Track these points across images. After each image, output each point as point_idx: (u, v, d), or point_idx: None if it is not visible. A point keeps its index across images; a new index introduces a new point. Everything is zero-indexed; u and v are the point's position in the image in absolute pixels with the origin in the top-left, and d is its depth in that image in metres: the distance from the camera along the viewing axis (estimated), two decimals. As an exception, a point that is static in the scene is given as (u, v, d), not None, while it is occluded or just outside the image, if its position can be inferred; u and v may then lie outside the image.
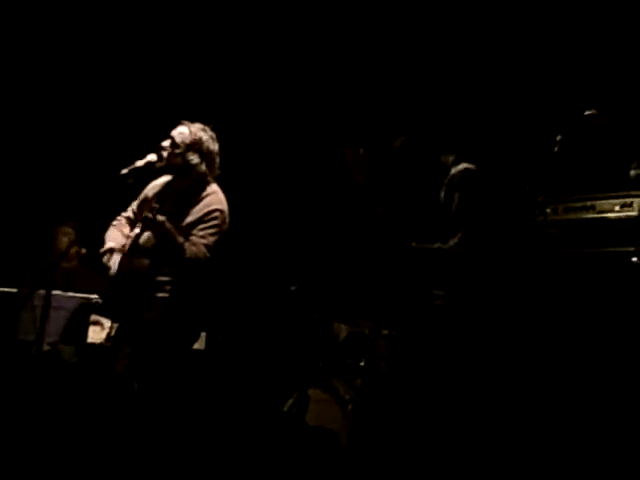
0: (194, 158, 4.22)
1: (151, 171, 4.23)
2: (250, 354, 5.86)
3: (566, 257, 4.08)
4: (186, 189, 4.26)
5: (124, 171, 4.06)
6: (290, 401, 4.58)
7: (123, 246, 4.21)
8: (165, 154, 4.20)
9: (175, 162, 4.21)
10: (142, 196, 4.40)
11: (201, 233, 4.15)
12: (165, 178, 4.37)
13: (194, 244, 4.11)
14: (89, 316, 5.12)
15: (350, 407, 4.45)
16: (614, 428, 3.69)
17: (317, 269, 5.75)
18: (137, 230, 4.22)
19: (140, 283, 4.09)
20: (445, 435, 3.63)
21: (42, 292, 4.13)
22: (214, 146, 4.30)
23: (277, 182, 6.92)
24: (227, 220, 4.26)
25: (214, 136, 4.32)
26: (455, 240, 3.73)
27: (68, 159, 6.90)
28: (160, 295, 4.12)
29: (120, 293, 4.12)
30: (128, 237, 4.25)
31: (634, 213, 3.93)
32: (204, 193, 4.25)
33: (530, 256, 4.16)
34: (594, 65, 5.18)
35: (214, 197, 4.25)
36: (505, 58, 5.51)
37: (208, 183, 4.28)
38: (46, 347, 4.87)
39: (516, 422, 3.90)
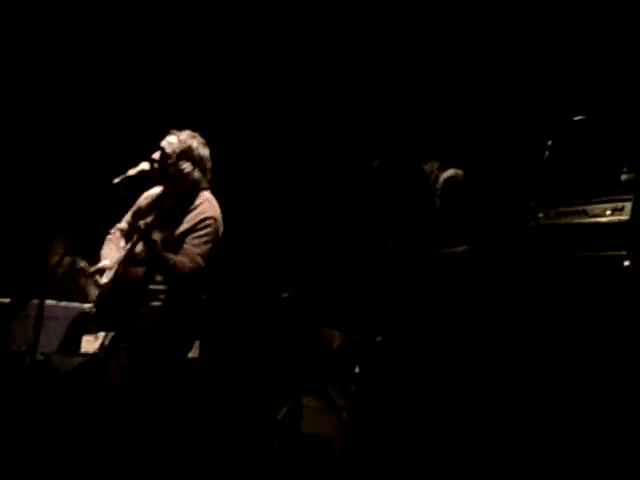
0: (187, 166, 4.22)
1: (144, 181, 4.23)
2: (244, 362, 5.85)
3: (559, 261, 4.10)
4: (179, 197, 4.25)
5: (116, 180, 4.06)
6: (284, 409, 4.58)
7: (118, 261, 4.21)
8: (157, 166, 4.20)
9: (168, 172, 4.21)
10: (135, 207, 4.40)
11: (194, 242, 4.14)
12: (158, 188, 4.36)
13: (187, 253, 4.10)
14: (84, 326, 5.11)
15: (344, 414, 4.45)
16: (610, 436, 3.70)
17: (310, 276, 5.75)
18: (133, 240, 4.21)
19: (135, 292, 4.09)
20: (440, 442, 3.63)
21: (35, 302, 4.12)
22: (205, 152, 4.30)
23: (269, 189, 6.92)
24: (220, 228, 4.26)
25: (204, 142, 4.32)
26: (466, 245, 3.75)
27: (61, 169, 6.89)
28: (154, 304, 4.11)
29: (114, 302, 4.11)
30: (123, 249, 4.24)
31: (625, 217, 3.95)
32: (197, 201, 4.24)
33: (523, 260, 4.18)
34: (583, 70, 5.20)
35: (207, 205, 4.24)
36: (494, 62, 5.53)
37: (201, 191, 4.28)
38: (39, 357, 4.85)
39: (512, 428, 3.90)
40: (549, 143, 3.43)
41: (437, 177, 3.88)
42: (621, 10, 4.98)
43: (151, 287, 4.14)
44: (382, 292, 4.19)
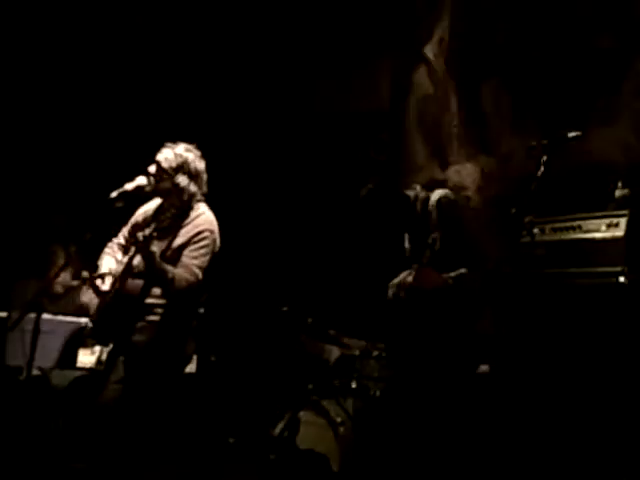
0: (182, 180, 4.21)
1: (141, 195, 4.23)
2: (241, 376, 5.85)
3: (554, 277, 4.11)
4: (176, 211, 4.25)
5: (113, 194, 4.06)
6: (281, 424, 4.57)
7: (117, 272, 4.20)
8: (152, 179, 4.20)
9: (164, 186, 4.21)
10: (133, 221, 4.39)
11: (192, 254, 4.13)
12: (155, 202, 4.36)
13: (185, 266, 4.09)
14: (80, 340, 5.11)
15: (341, 430, 4.45)
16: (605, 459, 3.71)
17: (307, 290, 5.76)
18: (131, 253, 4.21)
19: (133, 306, 4.08)
20: (438, 456, 3.63)
21: (32, 316, 4.12)
22: (201, 165, 4.29)
23: (267, 203, 6.95)
24: (217, 240, 4.25)
25: (200, 155, 4.31)
26: (477, 265, 3.73)
27: (60, 182, 6.90)
28: (152, 318, 4.11)
29: (112, 316, 4.10)
30: (121, 263, 4.24)
31: (620, 233, 3.97)
32: (193, 214, 4.23)
33: (518, 277, 4.19)
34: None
35: (203, 218, 4.23)
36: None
37: (197, 203, 4.27)
38: (36, 372, 4.84)
39: (512, 442, 3.91)
40: (544, 159, 3.43)
41: (427, 199, 3.86)
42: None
43: (149, 301, 4.13)
44: (380, 308, 4.19)
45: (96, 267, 4.32)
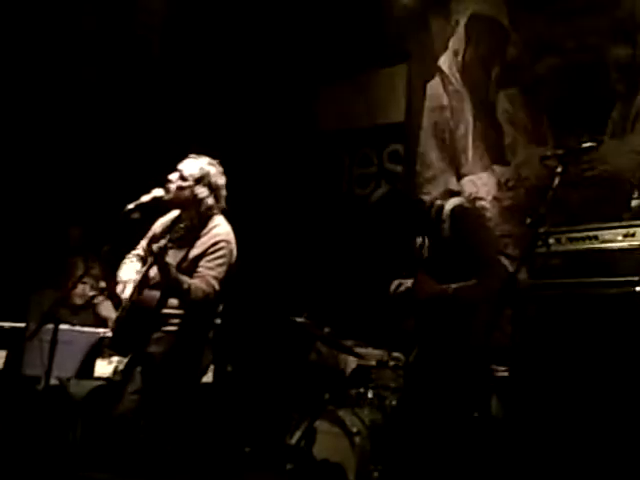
0: (203, 191, 4.23)
1: (159, 206, 4.25)
2: (258, 386, 5.85)
3: (570, 287, 4.10)
4: (193, 223, 4.27)
5: (130, 206, 4.08)
6: (297, 433, 4.58)
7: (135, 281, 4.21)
8: (173, 187, 4.23)
9: (183, 196, 4.23)
10: (151, 233, 4.41)
11: (208, 265, 4.13)
12: (173, 214, 4.38)
13: (202, 277, 4.10)
14: (98, 350, 5.13)
15: (357, 439, 4.45)
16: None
17: (324, 300, 5.77)
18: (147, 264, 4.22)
19: (150, 316, 4.09)
20: (453, 466, 3.61)
21: (50, 327, 4.14)
22: (221, 180, 4.31)
23: (285, 213, 6.98)
24: (234, 251, 4.25)
25: (221, 170, 4.34)
26: (490, 275, 3.67)
27: (77, 192, 6.95)
28: (169, 329, 4.12)
29: (130, 327, 4.11)
30: (140, 274, 4.25)
31: (637, 243, 3.96)
32: (210, 225, 4.24)
33: (534, 287, 4.18)
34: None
35: (220, 228, 4.25)
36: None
37: (214, 215, 4.30)
38: (54, 382, 4.87)
39: (530, 452, 3.90)
40: (559, 169, 3.43)
41: (441, 207, 3.81)
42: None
43: (166, 311, 4.15)
44: (397, 317, 4.18)
45: (115, 278, 4.35)
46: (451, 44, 6.31)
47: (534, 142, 5.66)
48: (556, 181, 3.39)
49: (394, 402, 4.49)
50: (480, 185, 5.89)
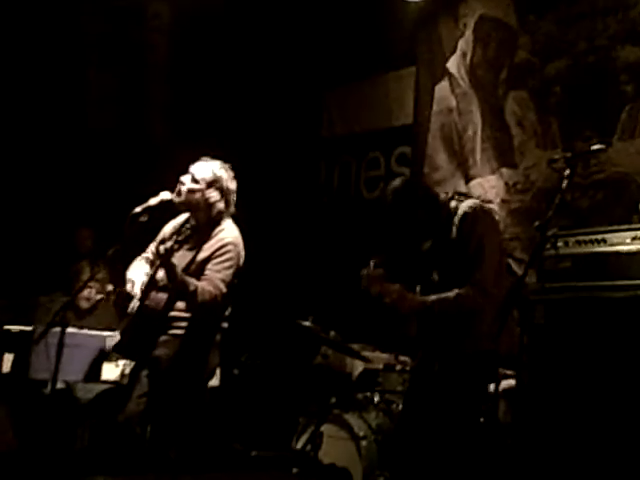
0: (214, 196, 4.22)
1: (167, 209, 4.24)
2: (264, 390, 5.85)
3: (578, 290, 4.08)
4: (201, 225, 4.26)
5: (137, 210, 4.07)
6: (304, 437, 4.57)
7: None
8: (184, 189, 4.22)
9: (194, 199, 4.22)
10: (160, 236, 4.39)
11: (216, 267, 4.12)
12: (182, 217, 4.37)
13: (209, 279, 4.09)
14: (105, 354, 5.13)
15: (364, 443, 4.43)
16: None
17: (331, 304, 5.76)
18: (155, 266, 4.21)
19: (157, 319, 4.08)
20: (459, 473, 3.59)
21: (56, 330, 4.14)
22: (232, 185, 4.30)
23: (292, 217, 6.97)
24: (242, 254, 4.23)
25: (232, 175, 4.32)
26: (473, 286, 3.58)
27: (85, 195, 6.97)
28: (176, 332, 4.11)
29: (137, 330, 4.11)
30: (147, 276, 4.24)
31: (645, 246, 3.93)
32: (218, 228, 4.23)
33: (542, 290, 4.16)
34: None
35: (227, 232, 4.23)
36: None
37: (223, 219, 4.29)
38: (60, 385, 4.87)
39: (538, 456, 3.87)
40: (567, 172, 3.41)
41: (456, 207, 3.71)
42: None
43: (173, 314, 4.14)
44: (402, 321, 4.15)
45: (121, 280, 4.34)
46: (459, 46, 6.30)
47: (543, 145, 5.64)
48: (564, 184, 3.37)
49: (401, 406, 4.48)
50: (488, 188, 5.87)
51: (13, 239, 6.62)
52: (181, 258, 4.13)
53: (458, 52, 6.30)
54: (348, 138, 7.11)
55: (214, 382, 4.87)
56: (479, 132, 6.08)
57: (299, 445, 4.59)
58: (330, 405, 4.58)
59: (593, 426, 3.83)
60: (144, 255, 4.43)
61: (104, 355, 5.15)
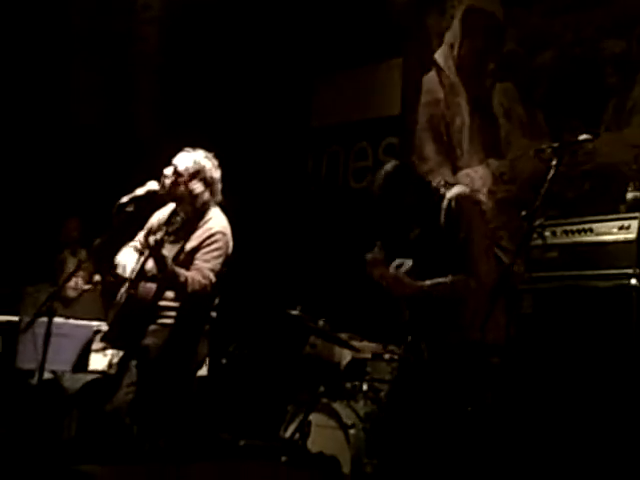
0: (198, 187, 4.20)
1: (156, 200, 4.23)
2: (253, 379, 5.85)
3: (565, 279, 4.11)
4: (189, 216, 4.25)
5: (124, 199, 4.06)
6: (292, 426, 4.58)
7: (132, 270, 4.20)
8: (168, 182, 4.20)
9: (178, 191, 4.21)
10: (148, 226, 4.39)
11: (205, 257, 4.11)
12: (170, 207, 4.36)
13: (198, 269, 4.09)
14: (92, 343, 5.13)
15: (352, 432, 4.45)
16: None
17: (319, 293, 5.76)
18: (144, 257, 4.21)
19: (146, 309, 4.08)
20: (450, 460, 3.61)
21: (44, 320, 4.13)
22: (217, 174, 4.28)
23: (280, 206, 6.97)
24: (230, 243, 4.23)
25: (216, 163, 4.31)
26: (468, 274, 3.59)
27: (71, 185, 6.94)
28: (165, 322, 4.11)
29: (126, 320, 4.10)
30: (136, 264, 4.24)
31: (632, 236, 3.96)
32: (206, 218, 4.22)
33: (529, 279, 4.18)
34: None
35: (215, 221, 4.23)
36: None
37: (210, 208, 4.28)
38: (48, 375, 4.86)
39: (522, 445, 3.90)
40: (554, 162, 3.42)
41: (444, 194, 3.71)
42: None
43: (162, 304, 4.13)
44: (392, 309, 4.15)
45: (110, 266, 4.33)
46: (447, 38, 6.30)
47: (530, 135, 5.66)
48: (551, 174, 3.39)
49: (389, 394, 4.49)
50: (476, 178, 5.89)
51: (-1, 229, 6.60)
52: (170, 248, 4.13)
53: (445, 43, 6.31)
54: (336, 128, 7.11)
55: (203, 372, 4.88)
56: (466, 123, 6.10)
57: (287, 434, 4.59)
58: (318, 394, 4.60)
59: (580, 414, 3.86)
60: (132, 244, 4.42)
61: (92, 345, 5.15)
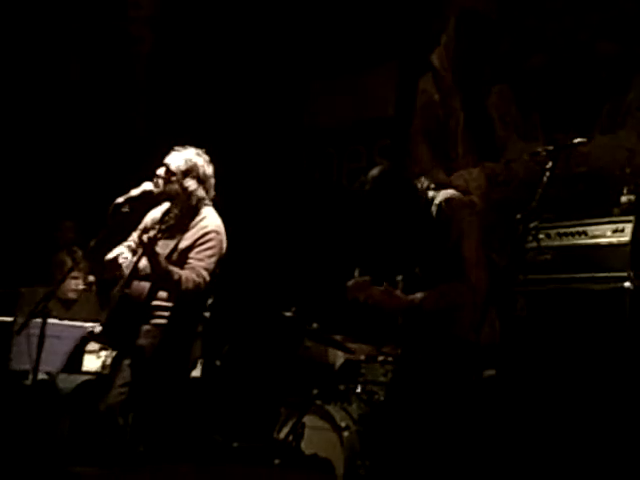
0: (192, 184, 4.21)
1: (150, 200, 4.23)
2: (246, 381, 5.85)
3: (559, 282, 4.11)
4: (183, 214, 4.25)
5: (119, 200, 4.06)
6: (286, 428, 4.57)
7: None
8: (161, 182, 4.21)
9: (173, 190, 4.21)
10: (142, 225, 4.39)
11: (198, 256, 4.12)
12: (164, 206, 4.36)
13: (192, 268, 4.08)
14: (86, 344, 5.12)
15: (346, 434, 4.45)
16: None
17: (313, 295, 5.76)
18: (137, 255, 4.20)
19: (139, 308, 4.08)
20: (444, 462, 3.61)
21: (38, 321, 4.13)
22: (209, 170, 4.29)
23: (274, 207, 6.97)
24: (224, 242, 4.23)
25: (208, 159, 4.32)
26: (459, 279, 3.57)
27: (67, 187, 6.94)
28: (158, 322, 4.11)
29: (119, 319, 4.10)
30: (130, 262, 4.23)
31: (626, 238, 3.97)
32: (199, 217, 4.23)
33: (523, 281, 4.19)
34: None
35: (209, 220, 4.23)
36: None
37: (203, 207, 4.28)
38: (42, 376, 4.86)
39: (518, 448, 3.90)
40: (549, 165, 3.43)
41: (433, 198, 3.68)
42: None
43: (155, 304, 4.13)
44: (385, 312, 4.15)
45: (103, 268, 4.33)
46: (442, 40, 6.31)
47: (524, 138, 5.67)
48: (546, 177, 3.39)
49: (383, 397, 4.49)
50: (470, 180, 5.89)
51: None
52: (163, 247, 4.13)
53: (441, 45, 6.31)
54: (330, 130, 7.11)
55: (196, 373, 4.87)
56: (461, 125, 6.10)
57: (281, 436, 4.59)
58: (312, 396, 4.60)
59: (574, 417, 3.86)
60: (125, 243, 4.42)
61: (86, 345, 5.15)
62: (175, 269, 4.04)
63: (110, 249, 4.34)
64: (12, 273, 6.20)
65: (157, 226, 4.19)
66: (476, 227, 3.78)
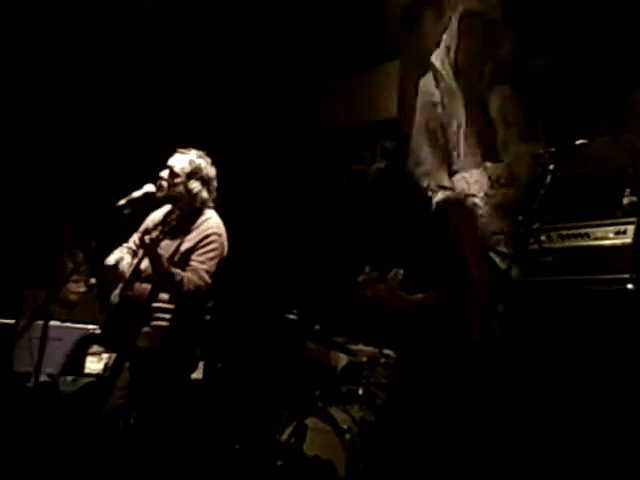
0: (196, 186, 4.23)
1: (151, 201, 4.24)
2: (248, 383, 5.85)
3: (561, 284, 4.10)
4: (185, 216, 4.26)
5: (121, 202, 4.07)
6: (288, 430, 4.57)
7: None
8: (165, 184, 4.21)
9: (177, 192, 4.22)
10: (143, 227, 4.40)
11: (200, 258, 4.14)
12: (165, 208, 4.37)
13: (194, 270, 4.09)
14: (88, 347, 5.12)
15: (348, 436, 4.45)
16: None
17: (315, 297, 5.76)
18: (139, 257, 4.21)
19: (140, 310, 4.08)
20: (445, 463, 3.61)
21: (40, 323, 4.13)
22: (212, 171, 4.32)
23: (277, 209, 6.97)
24: (225, 244, 4.25)
25: (210, 161, 4.33)
26: (458, 278, 3.60)
27: (68, 189, 6.94)
28: (159, 324, 4.11)
29: (120, 321, 4.10)
30: (131, 265, 4.24)
31: (628, 240, 3.96)
32: (201, 219, 4.25)
33: (524, 283, 4.18)
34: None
35: (210, 222, 4.25)
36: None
37: (205, 209, 4.28)
38: (44, 378, 4.86)
39: (518, 449, 3.90)
40: (551, 167, 3.43)
41: (430, 199, 3.72)
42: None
43: (156, 305, 4.13)
44: (387, 313, 4.16)
45: (103, 270, 4.33)
46: (444, 40, 6.30)
47: (526, 139, 5.65)
48: (548, 178, 3.39)
49: (384, 399, 4.49)
50: (472, 182, 5.88)
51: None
52: (165, 248, 4.14)
53: (442, 46, 6.30)
54: (333, 130, 7.11)
55: (197, 375, 4.87)
56: (463, 126, 6.09)
57: (283, 438, 4.59)
58: (314, 398, 4.60)
59: (575, 419, 3.85)
60: (126, 245, 4.43)
61: (87, 348, 5.14)
62: (177, 270, 4.05)
63: (111, 251, 4.35)
64: (16, 276, 6.20)
65: (159, 228, 4.19)
66: (474, 228, 3.80)
